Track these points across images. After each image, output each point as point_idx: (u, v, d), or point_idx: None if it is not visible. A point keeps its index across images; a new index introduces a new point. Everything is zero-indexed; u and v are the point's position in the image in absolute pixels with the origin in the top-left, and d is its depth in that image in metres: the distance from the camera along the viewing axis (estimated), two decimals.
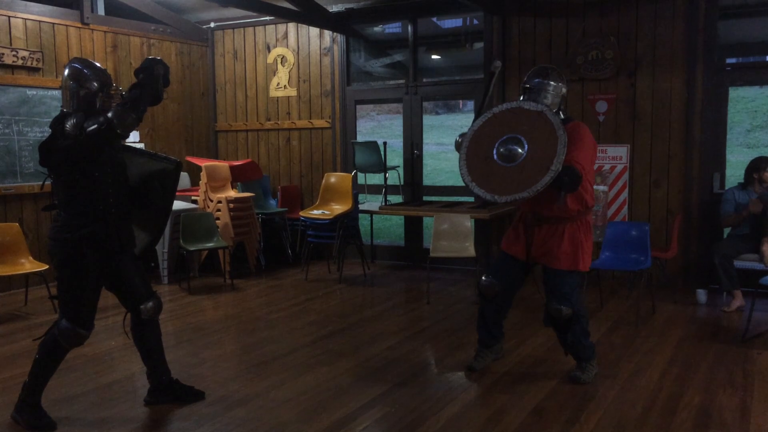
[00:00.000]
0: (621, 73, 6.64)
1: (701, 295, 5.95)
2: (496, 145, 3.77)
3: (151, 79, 3.30)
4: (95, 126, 3.22)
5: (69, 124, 3.33)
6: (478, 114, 4.05)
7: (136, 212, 3.68)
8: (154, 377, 3.81)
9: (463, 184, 3.95)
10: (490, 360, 4.33)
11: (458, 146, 3.99)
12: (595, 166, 6.71)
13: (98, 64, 3.57)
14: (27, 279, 6.19)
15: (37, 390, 3.52)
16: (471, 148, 3.85)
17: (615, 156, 6.68)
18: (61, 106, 3.52)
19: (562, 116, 3.91)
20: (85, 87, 3.43)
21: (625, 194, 6.67)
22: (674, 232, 6.10)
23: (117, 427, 3.51)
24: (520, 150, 3.70)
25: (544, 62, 6.95)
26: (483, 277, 4.17)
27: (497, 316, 4.27)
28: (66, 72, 3.49)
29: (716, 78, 6.37)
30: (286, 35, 8.45)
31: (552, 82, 3.90)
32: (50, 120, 6.83)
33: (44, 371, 3.52)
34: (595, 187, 6.72)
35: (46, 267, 5.89)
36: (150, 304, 3.69)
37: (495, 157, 3.75)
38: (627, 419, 3.53)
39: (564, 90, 3.98)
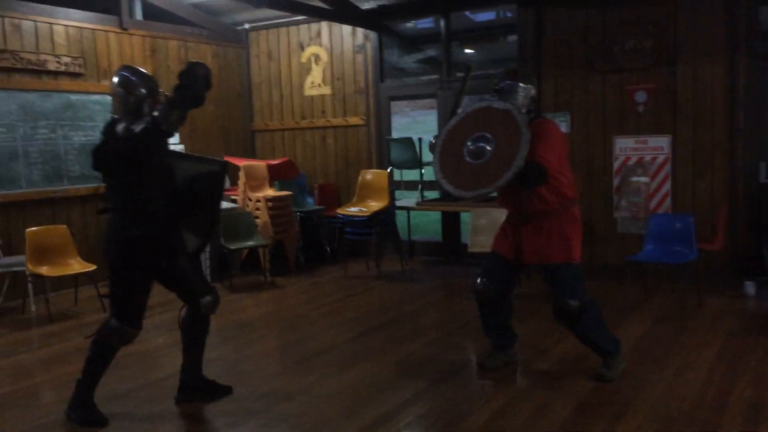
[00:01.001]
0: (660, 62, 6.51)
1: (750, 287, 5.82)
2: (467, 142, 3.88)
3: (193, 80, 3.37)
4: (143, 126, 3.34)
5: (119, 129, 3.46)
6: (451, 113, 4.16)
7: (185, 216, 3.75)
8: (188, 372, 3.87)
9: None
10: (501, 361, 4.27)
11: (432, 148, 4.10)
12: (635, 157, 6.64)
13: (145, 71, 3.68)
14: (76, 279, 6.35)
15: (90, 387, 3.62)
16: (444, 146, 3.98)
17: (656, 146, 6.57)
18: (111, 113, 3.65)
19: (531, 115, 3.96)
20: (134, 93, 3.55)
21: (667, 185, 6.55)
22: (720, 223, 5.97)
23: (167, 423, 3.60)
24: (488, 147, 3.80)
25: (580, 54, 6.87)
26: (477, 280, 4.13)
27: (499, 318, 4.23)
28: (115, 79, 3.60)
29: (759, 65, 6.22)
30: (319, 34, 8.50)
31: (521, 84, 3.98)
32: (93, 124, 7.09)
33: (96, 369, 3.61)
34: (636, 178, 6.63)
35: (94, 267, 6.04)
36: (208, 298, 3.75)
37: (465, 154, 3.87)
38: (675, 415, 3.48)
39: (533, 91, 4.04)
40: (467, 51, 8.78)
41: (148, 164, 3.49)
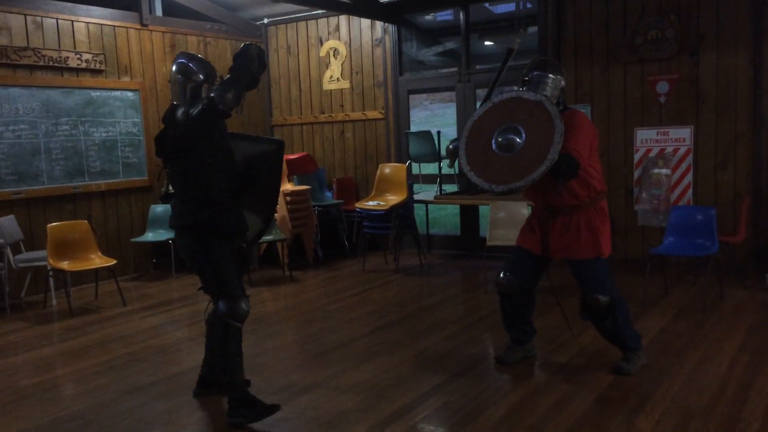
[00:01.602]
0: (683, 52, 6.41)
1: None
2: (495, 134, 3.77)
3: (248, 60, 3.39)
4: (199, 107, 3.35)
5: (179, 114, 3.47)
6: (488, 95, 4.06)
7: (246, 197, 3.72)
8: (210, 368, 3.84)
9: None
10: (520, 356, 4.23)
11: (450, 153, 4.11)
12: (657, 149, 6.55)
13: (202, 57, 3.69)
14: (97, 274, 6.44)
15: (238, 384, 3.50)
16: (471, 137, 3.86)
17: (678, 138, 6.47)
18: (171, 100, 3.64)
19: (560, 107, 3.87)
20: (192, 80, 3.56)
21: (689, 177, 6.46)
22: (742, 215, 5.87)
23: (185, 416, 3.63)
24: (518, 140, 3.70)
25: (601, 44, 6.78)
26: (500, 275, 4.08)
27: (521, 312, 4.17)
28: (174, 67, 3.60)
29: None
30: (338, 28, 8.49)
31: (551, 75, 3.90)
32: (114, 120, 7.16)
33: (233, 362, 3.49)
34: (657, 170, 6.53)
35: (114, 262, 6.12)
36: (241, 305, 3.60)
37: (493, 146, 3.77)
38: (695, 409, 3.43)
39: (563, 82, 3.96)
40: (487, 43, 8.70)
41: (210, 147, 3.48)
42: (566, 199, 3.83)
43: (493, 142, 3.77)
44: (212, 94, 3.32)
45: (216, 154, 3.53)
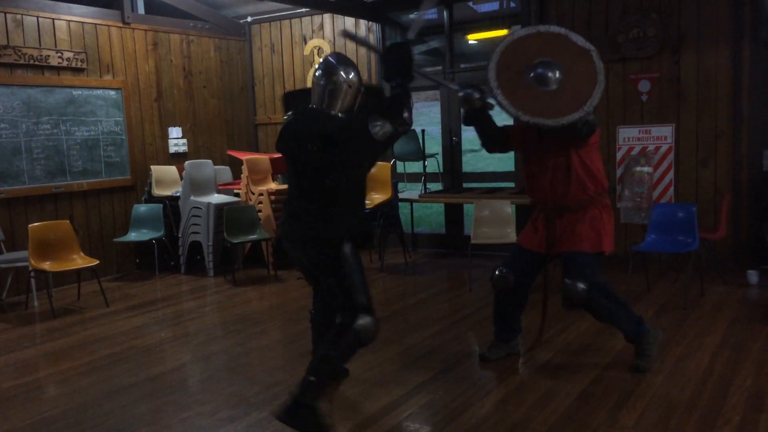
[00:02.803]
0: (664, 51, 6.47)
1: (752, 276, 5.79)
2: (534, 63, 3.65)
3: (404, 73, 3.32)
4: (389, 130, 3.17)
5: (337, 122, 3.25)
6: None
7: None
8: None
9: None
10: (504, 353, 4.24)
11: (466, 100, 3.89)
12: (639, 147, 6.61)
13: (349, 59, 3.46)
14: (79, 274, 6.38)
15: (324, 393, 3.27)
16: (506, 55, 3.68)
17: (659, 136, 6.53)
18: (311, 104, 3.37)
19: None
20: (339, 83, 3.32)
21: (670, 175, 6.52)
22: (723, 212, 5.94)
23: (169, 417, 3.61)
24: (555, 77, 3.60)
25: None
26: (496, 271, 4.07)
27: (513, 309, 4.19)
28: (331, 70, 3.34)
29: (764, 52, 6.16)
30: (322, 26, 8.48)
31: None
32: (95, 119, 7.11)
33: (335, 371, 3.34)
34: (639, 168, 6.60)
35: (97, 262, 6.06)
36: (367, 320, 3.35)
37: (528, 75, 3.63)
38: (676, 403, 3.47)
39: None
40: (471, 42, 8.73)
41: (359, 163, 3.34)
42: (575, 194, 3.82)
43: (529, 71, 3.63)
44: (399, 128, 3.19)
45: (362, 170, 3.41)
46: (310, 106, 3.38)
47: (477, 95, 3.87)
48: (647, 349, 3.94)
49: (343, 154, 3.20)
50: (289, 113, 3.50)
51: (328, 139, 3.18)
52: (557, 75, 3.62)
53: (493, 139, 4.06)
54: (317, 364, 3.26)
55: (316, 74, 3.37)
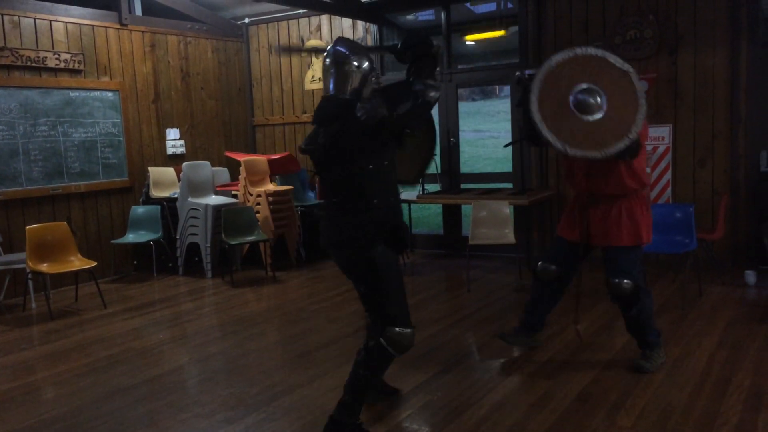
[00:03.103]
0: (661, 52, 6.48)
1: (750, 276, 5.80)
2: (575, 91, 3.59)
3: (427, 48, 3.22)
4: (411, 105, 3.08)
5: (368, 107, 3.08)
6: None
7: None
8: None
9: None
10: (523, 342, 4.30)
11: (521, 81, 3.82)
12: None
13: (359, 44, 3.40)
14: (76, 276, 6.37)
15: (359, 410, 3.24)
16: (546, 84, 3.60)
17: (657, 137, 6.54)
18: (334, 93, 3.19)
19: None
20: (356, 68, 3.19)
21: (668, 175, 6.53)
22: (720, 212, 5.95)
23: (167, 419, 3.60)
24: (598, 104, 3.55)
25: (582, 44, 6.81)
26: (539, 262, 4.15)
27: (549, 300, 4.23)
28: (333, 56, 3.21)
29: (761, 53, 6.17)
30: (319, 28, 8.48)
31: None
32: (93, 121, 7.09)
33: (367, 388, 3.24)
34: None
35: (95, 264, 6.05)
36: (407, 331, 3.22)
37: (571, 103, 3.57)
38: (674, 403, 3.47)
39: None
40: (468, 43, 8.72)
41: (384, 150, 3.17)
42: (612, 188, 3.82)
43: (571, 97, 3.57)
44: (432, 94, 3.11)
45: (390, 158, 3.22)
46: (329, 95, 3.21)
47: (528, 73, 3.81)
48: (654, 357, 3.97)
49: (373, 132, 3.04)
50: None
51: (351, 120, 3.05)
52: (599, 101, 3.56)
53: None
54: (350, 382, 3.19)
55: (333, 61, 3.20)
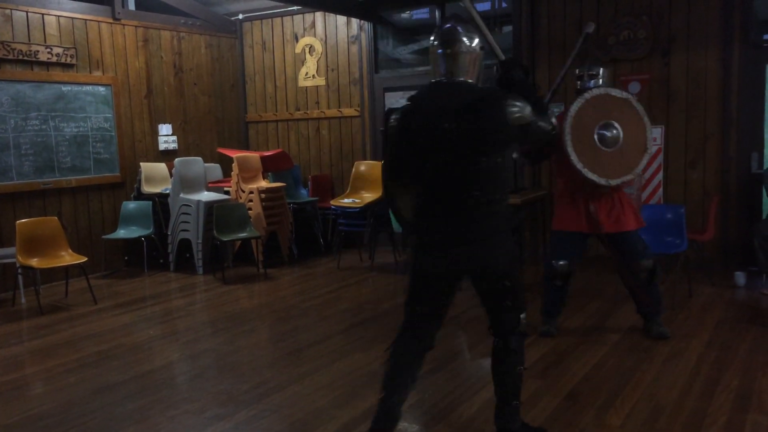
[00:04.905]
0: (654, 53, 6.50)
1: (740, 277, 5.83)
2: (596, 129, 4.27)
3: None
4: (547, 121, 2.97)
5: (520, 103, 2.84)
6: (561, 79, 4.49)
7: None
8: (502, 416, 3.11)
9: None
10: (555, 328, 4.64)
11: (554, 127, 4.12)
12: None
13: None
14: (67, 271, 6.34)
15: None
16: (574, 134, 4.23)
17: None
18: (464, 79, 2.97)
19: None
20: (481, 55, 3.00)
21: (659, 176, 6.55)
22: (711, 213, 5.97)
23: (156, 415, 3.59)
24: (615, 135, 4.27)
25: (574, 44, 6.82)
26: (554, 262, 4.44)
27: (565, 289, 4.58)
28: (467, 36, 2.97)
29: (753, 55, 6.20)
30: (313, 24, 8.46)
31: (602, 69, 4.58)
32: (85, 115, 7.06)
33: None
34: None
35: (85, 259, 6.03)
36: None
37: (597, 142, 4.26)
38: (664, 403, 3.49)
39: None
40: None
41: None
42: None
43: (595, 137, 4.26)
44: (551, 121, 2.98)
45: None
46: (437, 80, 2.99)
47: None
48: (659, 323, 4.48)
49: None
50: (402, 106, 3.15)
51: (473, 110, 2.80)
52: (617, 131, 4.29)
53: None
54: (512, 388, 3.05)
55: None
